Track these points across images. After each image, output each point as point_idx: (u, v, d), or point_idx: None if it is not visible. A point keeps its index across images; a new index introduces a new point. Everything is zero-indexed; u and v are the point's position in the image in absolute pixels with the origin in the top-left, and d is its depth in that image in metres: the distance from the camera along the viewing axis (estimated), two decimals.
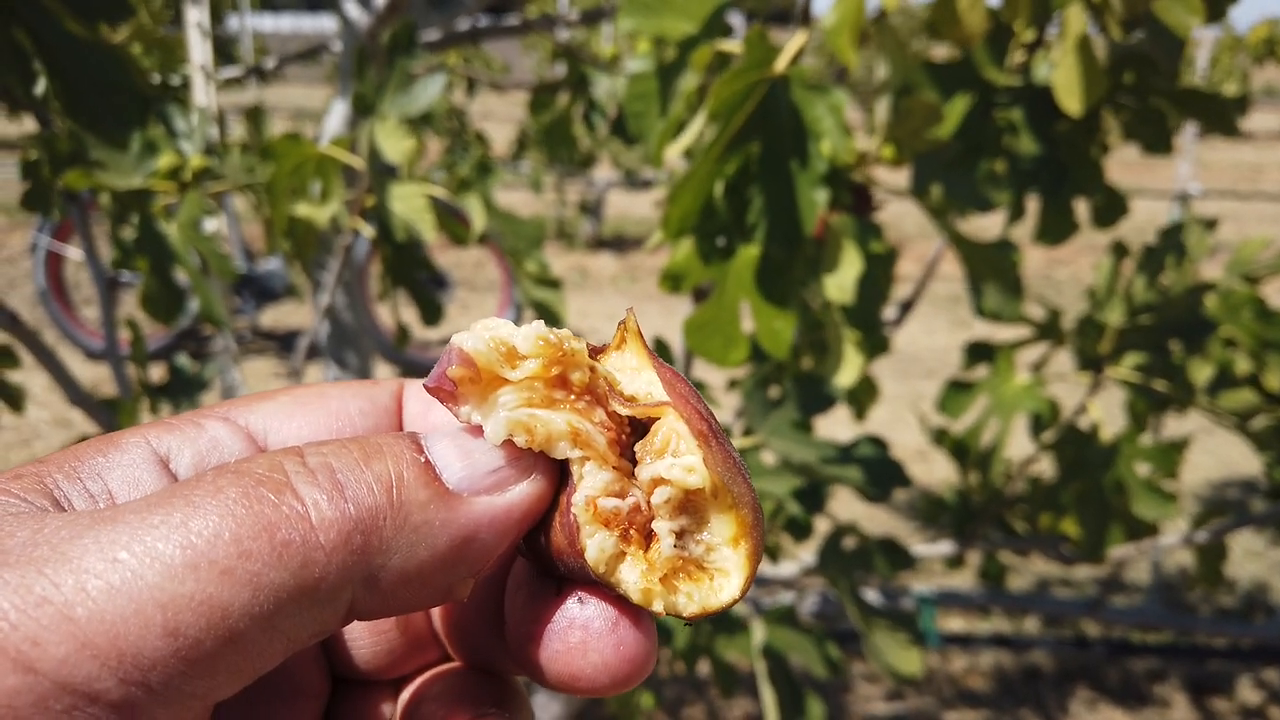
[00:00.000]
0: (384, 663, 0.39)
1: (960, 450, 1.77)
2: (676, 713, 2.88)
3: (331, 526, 0.28)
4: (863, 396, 2.06)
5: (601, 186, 8.60)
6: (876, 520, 4.02)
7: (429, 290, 1.43)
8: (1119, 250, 1.61)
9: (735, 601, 0.32)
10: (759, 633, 1.32)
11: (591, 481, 0.32)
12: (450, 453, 0.31)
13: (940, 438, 1.93)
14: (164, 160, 1.57)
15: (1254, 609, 3.46)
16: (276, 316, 6.15)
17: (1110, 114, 1.49)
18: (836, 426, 4.25)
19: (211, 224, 1.89)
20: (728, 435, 0.36)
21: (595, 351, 0.34)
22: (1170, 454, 1.51)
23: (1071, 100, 1.27)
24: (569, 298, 7.07)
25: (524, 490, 0.31)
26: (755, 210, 1.05)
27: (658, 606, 0.31)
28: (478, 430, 0.32)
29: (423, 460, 0.31)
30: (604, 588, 0.32)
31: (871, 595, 1.96)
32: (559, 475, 0.32)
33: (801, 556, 1.81)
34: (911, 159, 1.16)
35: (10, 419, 4.47)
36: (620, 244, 8.61)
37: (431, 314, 1.46)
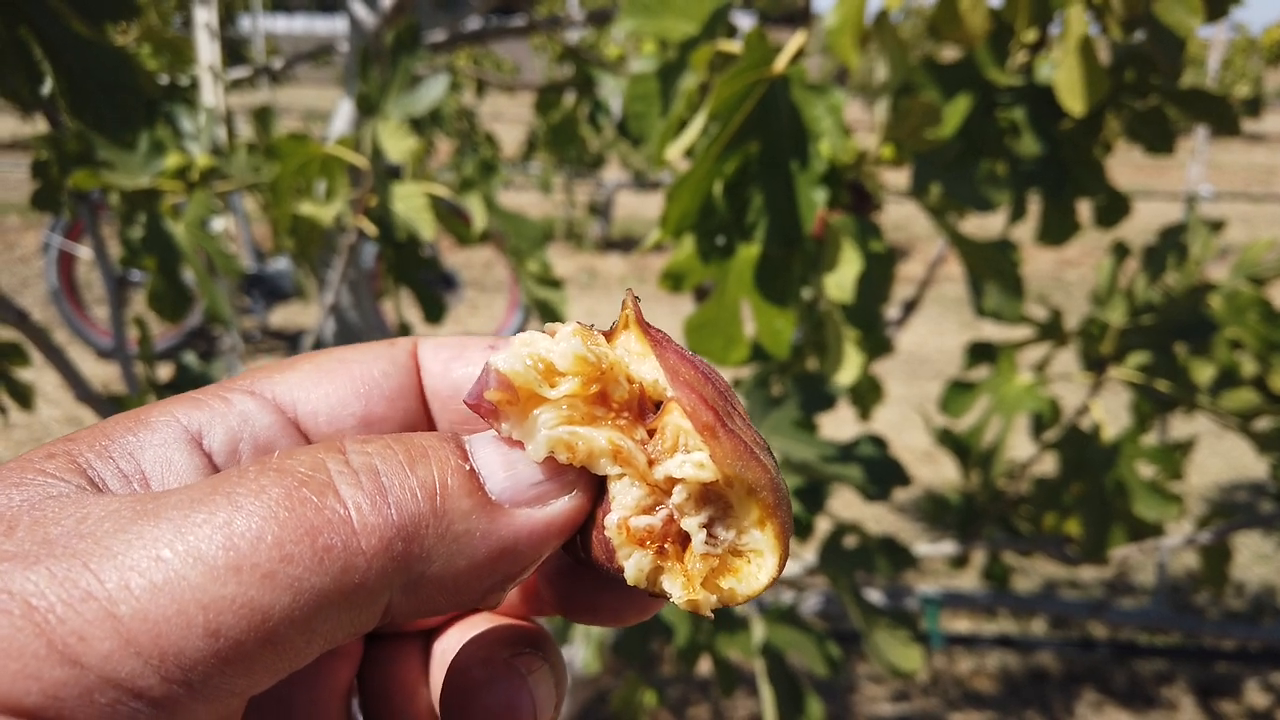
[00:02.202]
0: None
1: (962, 450, 1.77)
2: (681, 712, 2.89)
3: (374, 532, 0.27)
4: (867, 396, 2.07)
5: (610, 188, 8.61)
6: (882, 521, 4.02)
7: (432, 290, 1.43)
8: (1120, 250, 1.60)
9: (774, 580, 0.32)
10: (759, 631, 1.32)
11: (623, 501, 0.32)
12: (494, 461, 0.31)
13: (944, 438, 1.93)
14: (171, 160, 1.59)
15: (1262, 612, 3.44)
16: (286, 316, 6.18)
17: (1113, 114, 1.49)
18: (842, 427, 4.25)
19: (219, 223, 1.90)
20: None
21: (606, 335, 0.34)
22: (1172, 455, 1.51)
23: (1073, 100, 1.27)
24: (577, 298, 7.08)
25: (564, 505, 0.31)
26: (755, 209, 1.06)
27: (707, 611, 0.32)
28: (519, 444, 0.32)
29: (467, 467, 0.30)
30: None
31: (876, 596, 1.96)
32: (598, 488, 0.32)
33: (803, 556, 1.81)
34: (911, 159, 1.16)
35: (21, 416, 4.50)
36: (629, 245, 8.62)
37: (434, 312, 1.46)
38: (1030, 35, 1.49)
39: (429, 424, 0.38)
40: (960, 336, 6.15)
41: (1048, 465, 3.38)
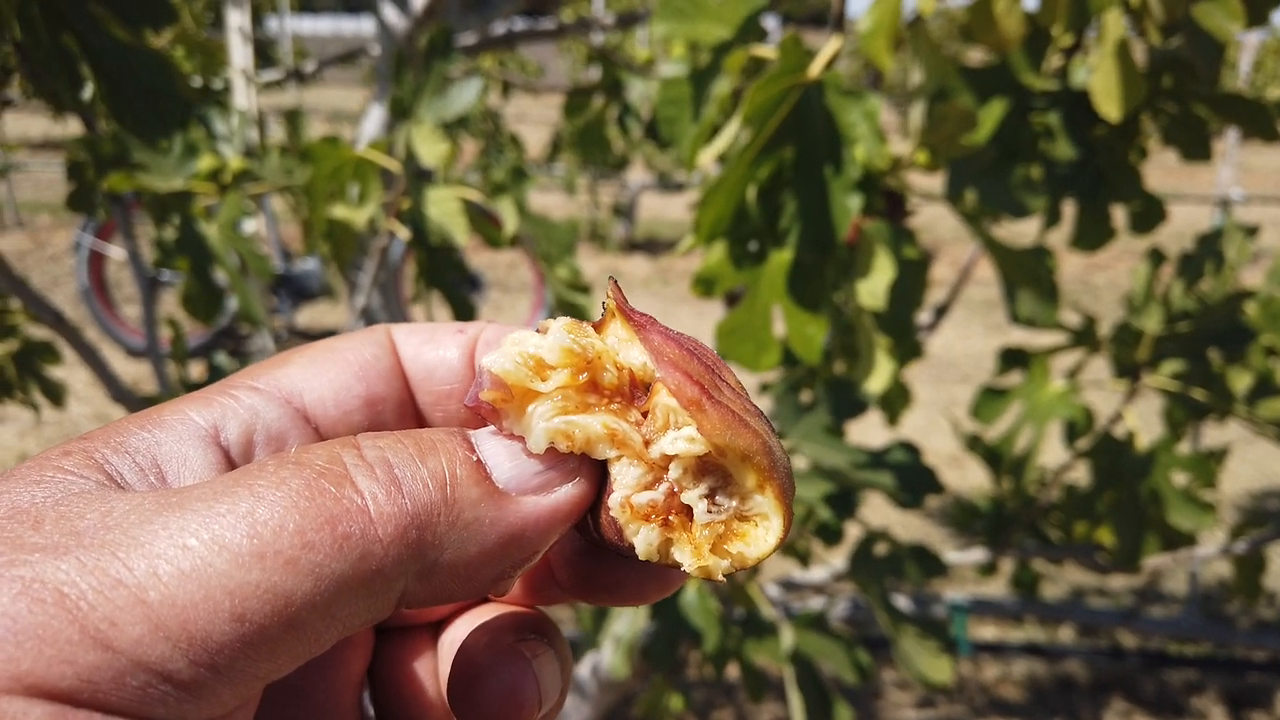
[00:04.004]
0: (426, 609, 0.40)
1: (993, 457, 1.75)
2: (706, 716, 2.88)
3: (389, 521, 0.28)
4: (896, 402, 2.05)
5: (634, 189, 8.61)
6: (910, 527, 3.99)
7: (462, 292, 1.44)
8: (1156, 257, 1.59)
9: (782, 540, 0.33)
10: (788, 637, 1.31)
11: (624, 480, 0.33)
12: (500, 452, 0.32)
13: (973, 444, 1.92)
14: (204, 162, 1.60)
15: None
16: (312, 316, 6.22)
17: (1149, 119, 1.47)
18: (870, 432, 4.23)
19: (251, 225, 1.92)
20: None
21: (595, 326, 0.35)
22: (1207, 463, 1.49)
23: (1110, 105, 1.26)
24: (602, 299, 7.09)
25: (569, 492, 0.33)
26: (788, 215, 1.05)
27: (719, 575, 0.33)
28: (520, 439, 0.33)
29: (474, 459, 0.32)
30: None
31: (903, 602, 1.94)
32: (601, 472, 0.33)
33: (832, 562, 1.80)
34: (946, 164, 1.15)
35: (52, 414, 4.55)
36: (653, 246, 8.62)
37: (465, 316, 1.47)
38: (1066, 39, 1.47)
39: (414, 403, 0.40)
40: (987, 340, 6.11)
41: (1079, 472, 3.35)
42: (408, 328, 0.40)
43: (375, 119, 1.86)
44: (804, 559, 1.50)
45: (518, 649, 0.37)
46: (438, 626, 0.42)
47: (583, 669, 1.96)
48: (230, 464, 0.34)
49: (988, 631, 3.34)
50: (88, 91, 0.88)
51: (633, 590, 0.38)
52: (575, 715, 2.00)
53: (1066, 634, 3.34)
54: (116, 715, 0.25)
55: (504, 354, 0.33)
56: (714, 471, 0.33)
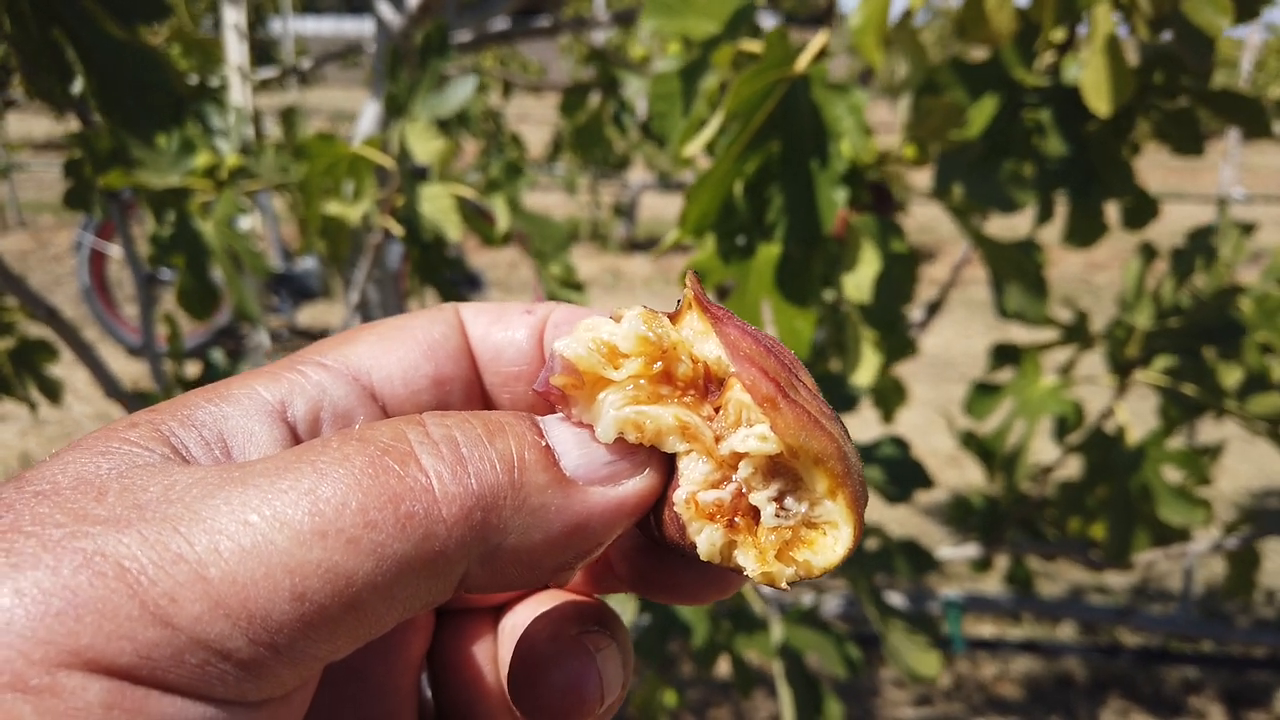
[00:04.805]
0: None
1: (986, 453, 1.76)
2: (702, 714, 2.88)
3: (454, 501, 0.28)
4: (890, 398, 2.06)
5: (635, 189, 8.62)
6: (907, 524, 4.00)
7: (456, 289, 1.44)
8: (1147, 252, 1.59)
9: (851, 551, 0.32)
10: (777, 632, 1.32)
11: (691, 476, 0.32)
12: (569, 439, 0.32)
13: (968, 440, 1.92)
14: (201, 159, 1.61)
15: None
16: (313, 315, 6.23)
17: (1142, 116, 1.47)
18: (866, 429, 4.23)
19: (247, 221, 1.92)
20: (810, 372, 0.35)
21: (671, 317, 0.34)
22: (1197, 459, 1.49)
23: (1099, 101, 1.26)
24: (602, 299, 7.09)
25: (637, 484, 0.32)
26: (775, 209, 1.06)
27: (783, 584, 0.32)
28: (589, 427, 0.32)
29: (543, 444, 0.31)
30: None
31: (898, 599, 1.95)
32: (669, 467, 0.33)
33: None
34: (932, 159, 1.16)
35: (53, 413, 4.57)
36: (653, 246, 8.62)
37: None
38: (1058, 35, 1.48)
39: (481, 384, 0.39)
40: (986, 339, 6.11)
41: (1072, 469, 3.35)
42: (475, 307, 0.40)
43: (371, 116, 1.87)
44: None
45: (581, 641, 0.36)
46: (499, 611, 0.41)
47: None
48: (296, 440, 0.34)
49: (986, 629, 3.34)
50: (78, 86, 0.89)
51: (691, 591, 0.38)
52: None
53: (1066, 632, 3.35)
54: (175, 693, 0.24)
55: (577, 339, 0.32)
56: (785, 473, 0.32)
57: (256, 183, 1.64)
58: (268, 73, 2.05)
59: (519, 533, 0.29)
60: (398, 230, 1.41)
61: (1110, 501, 1.47)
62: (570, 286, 1.42)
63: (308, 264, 5.58)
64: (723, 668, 2.89)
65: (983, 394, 1.64)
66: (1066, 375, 1.62)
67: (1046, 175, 1.41)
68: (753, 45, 1.14)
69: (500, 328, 0.39)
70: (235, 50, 1.90)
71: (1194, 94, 1.43)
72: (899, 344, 1.21)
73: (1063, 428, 1.61)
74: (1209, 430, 4.18)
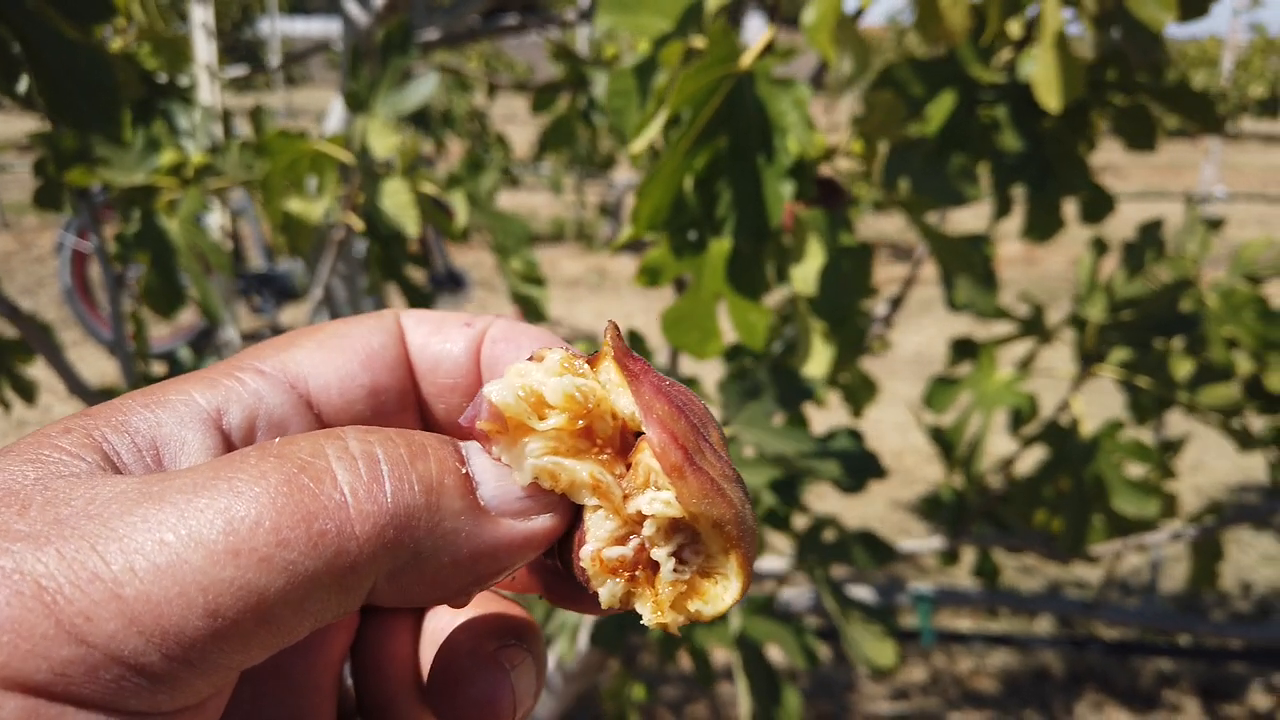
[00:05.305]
0: None
1: (948, 446, 1.77)
2: (680, 711, 2.90)
3: (368, 519, 0.29)
4: (860, 394, 2.07)
5: (621, 188, 8.63)
6: (886, 520, 4.02)
7: (418, 285, 1.45)
8: (1098, 246, 1.60)
9: (738, 600, 0.34)
10: (735, 622, 1.33)
11: (597, 533, 0.34)
12: (488, 470, 0.33)
13: (936, 435, 1.94)
14: (166, 157, 1.61)
15: (1268, 613, 3.42)
16: (295, 315, 6.22)
17: (1097, 111, 1.49)
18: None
19: (214, 219, 1.93)
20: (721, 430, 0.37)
21: (590, 361, 0.36)
22: (1152, 450, 1.51)
23: (1050, 96, 1.28)
24: (587, 299, 7.10)
25: (545, 522, 0.33)
26: (724, 204, 1.07)
27: (675, 629, 0.34)
28: (507, 467, 0.34)
29: (463, 471, 0.32)
30: None
31: (866, 593, 1.96)
32: (575, 512, 0.35)
33: (785, 550, 1.82)
34: (876, 154, 1.17)
35: (34, 414, 4.55)
36: (639, 246, 8.62)
37: (419, 306, 1.48)
38: (1015, 31, 1.49)
39: (417, 393, 0.40)
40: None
41: (1032, 461, 3.37)
42: (417, 315, 0.40)
43: (339, 113, 1.87)
44: (759, 547, 1.52)
45: (498, 659, 0.38)
46: (423, 609, 0.42)
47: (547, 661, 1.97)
48: (230, 448, 0.34)
49: (964, 624, 3.36)
50: (22, 84, 0.90)
51: (591, 606, 0.39)
52: (541, 708, 2.02)
53: (1043, 626, 3.37)
54: (90, 708, 0.25)
55: (506, 385, 0.33)
56: (684, 529, 0.34)
57: (222, 180, 1.64)
58: (236, 71, 2.06)
59: (429, 554, 0.30)
60: (358, 225, 1.42)
61: (1066, 493, 1.49)
62: (531, 281, 1.43)
63: (291, 264, 5.57)
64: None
65: (942, 387, 1.66)
66: (1024, 368, 1.64)
67: (1003, 171, 1.43)
68: (702, 42, 1.15)
69: (439, 339, 0.39)
70: (203, 49, 1.90)
71: (1147, 90, 1.45)
72: (854, 337, 1.22)
73: (1017, 420, 1.63)
74: (1183, 424, 4.22)
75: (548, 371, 0.34)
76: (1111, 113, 1.48)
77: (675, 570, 0.33)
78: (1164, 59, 1.39)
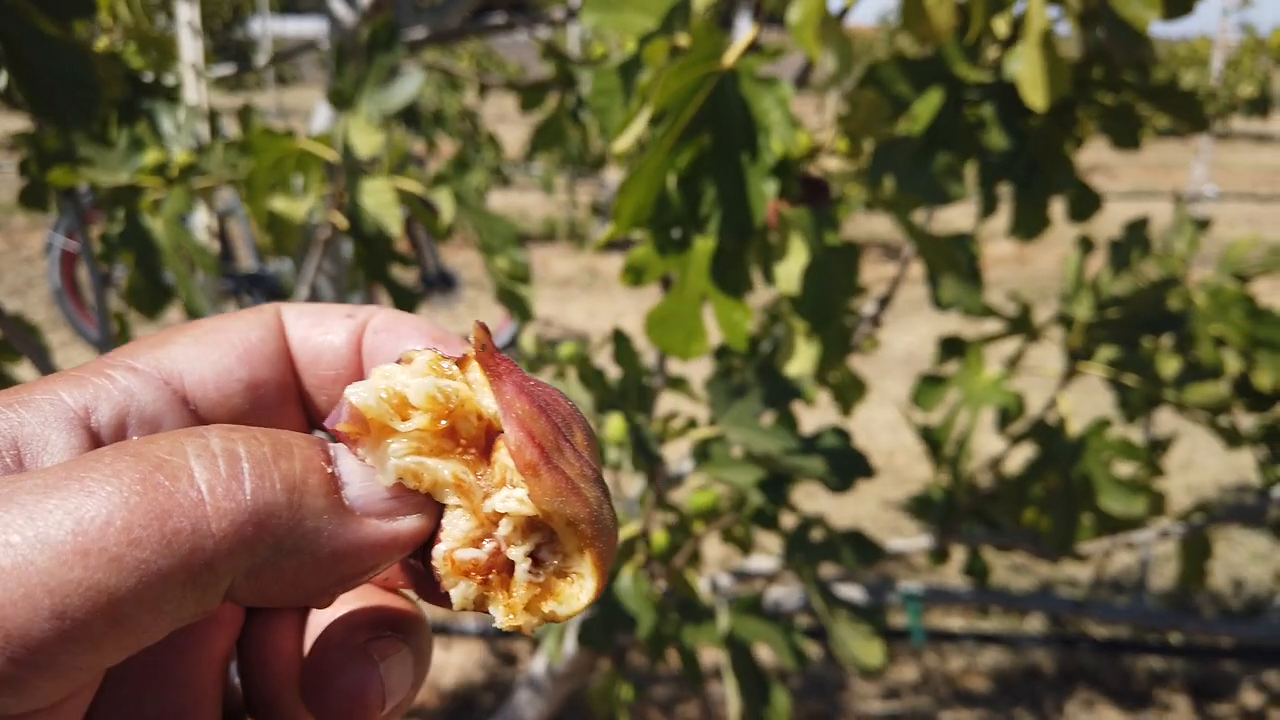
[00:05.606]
0: None
1: (936, 444, 1.77)
2: (671, 710, 2.89)
3: (225, 516, 0.28)
4: (849, 393, 2.07)
5: (612, 188, 8.62)
6: (878, 520, 4.02)
7: (403, 284, 1.45)
8: (1085, 244, 1.61)
9: (593, 600, 0.34)
10: (724, 621, 1.33)
11: (452, 532, 0.34)
12: (355, 470, 0.32)
13: (925, 433, 1.94)
14: (150, 156, 1.61)
15: (1259, 611, 3.43)
16: None
17: (1083, 109, 1.49)
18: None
19: (199, 218, 1.92)
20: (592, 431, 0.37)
21: (459, 363, 0.36)
22: (1139, 449, 1.51)
23: (1035, 95, 1.28)
24: (579, 298, 7.10)
25: (411, 523, 0.33)
26: (708, 202, 1.07)
27: (529, 631, 0.34)
28: (372, 469, 0.33)
29: (329, 470, 0.32)
30: None
31: (855, 593, 1.96)
32: (441, 511, 0.34)
33: (774, 550, 1.82)
34: (864, 152, 1.17)
35: None
36: (630, 246, 8.62)
37: (405, 306, 1.47)
38: (1001, 29, 1.49)
39: (299, 386, 0.39)
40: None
41: (1019, 458, 3.38)
42: (298, 308, 0.40)
43: (325, 112, 1.87)
44: (745, 546, 1.51)
45: (366, 651, 0.37)
46: (305, 609, 0.42)
47: (536, 663, 1.97)
48: (99, 447, 0.33)
49: (955, 622, 3.37)
50: (2, 81, 0.89)
51: (449, 604, 0.39)
52: (530, 709, 2.01)
53: (1034, 625, 3.37)
54: None
55: (369, 387, 0.33)
56: (542, 528, 0.34)
57: (207, 180, 1.63)
58: (223, 70, 2.05)
59: (289, 554, 0.30)
60: (342, 224, 1.41)
61: (1053, 491, 1.49)
62: (517, 279, 1.42)
63: (281, 264, 5.56)
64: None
65: (930, 385, 1.66)
66: (1012, 367, 1.64)
67: (989, 169, 1.43)
68: (687, 40, 1.15)
69: (320, 331, 0.39)
70: (189, 47, 1.89)
71: (1133, 88, 1.45)
72: (840, 337, 1.22)
73: (1004, 419, 1.63)
74: (1173, 423, 4.23)
75: (413, 373, 0.34)
76: (1098, 111, 1.48)
77: (530, 572, 0.33)
78: (1150, 57, 1.39)
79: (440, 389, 0.34)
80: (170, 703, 0.37)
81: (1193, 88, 1.48)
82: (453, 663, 3.13)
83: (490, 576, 0.34)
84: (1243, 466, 4.47)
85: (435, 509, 0.34)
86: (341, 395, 0.37)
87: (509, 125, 12.06)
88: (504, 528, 0.33)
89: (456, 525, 0.34)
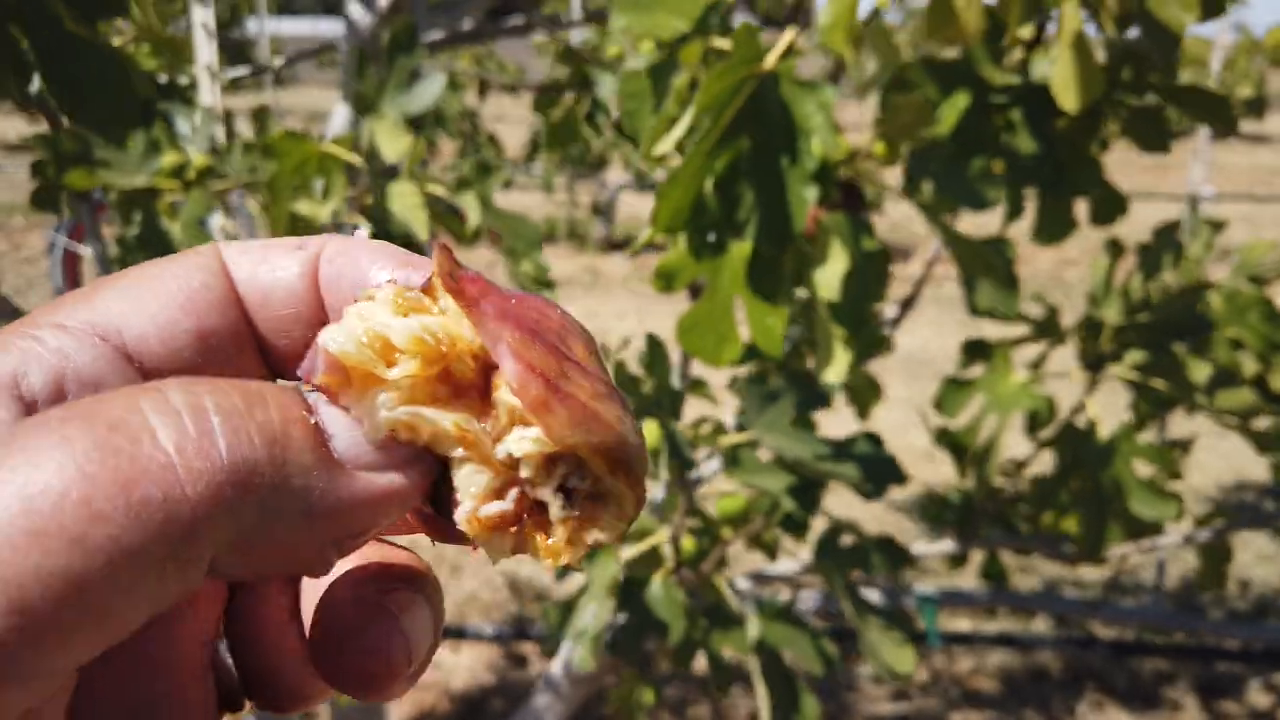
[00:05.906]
0: None
1: (958, 449, 1.77)
2: (681, 712, 2.89)
3: (200, 478, 0.24)
4: (865, 395, 2.06)
5: (613, 188, 8.62)
6: (883, 521, 4.02)
7: None
8: (1114, 248, 1.60)
9: (634, 518, 0.31)
10: (754, 628, 1.32)
11: (468, 490, 0.30)
12: (339, 420, 0.29)
13: (942, 436, 1.93)
14: (167, 159, 1.59)
15: (1266, 612, 3.43)
16: None
17: (1110, 113, 1.49)
18: (846, 426, 4.25)
19: (217, 221, 1.90)
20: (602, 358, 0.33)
21: (425, 290, 0.31)
22: (1167, 453, 1.51)
23: (1068, 98, 1.27)
24: (580, 299, 7.09)
25: (410, 475, 0.29)
26: (746, 206, 1.06)
27: (576, 563, 0.31)
28: (358, 421, 0.29)
29: (312, 420, 0.28)
30: None
31: (873, 595, 1.95)
32: (442, 462, 0.31)
33: (803, 555, 1.82)
34: (902, 156, 1.16)
35: None
36: (627, 247, 8.62)
37: None
38: (1027, 32, 1.49)
39: (254, 332, 0.35)
40: (961, 336, 6.13)
41: (1045, 463, 3.38)
42: (239, 246, 0.35)
43: (341, 116, 1.86)
44: (771, 551, 1.51)
45: (384, 604, 0.33)
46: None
47: (554, 665, 1.96)
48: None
49: (963, 624, 3.36)
50: (35, 84, 0.88)
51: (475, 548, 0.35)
52: (549, 713, 2.00)
53: (1042, 626, 3.37)
54: None
55: (346, 331, 0.29)
56: (565, 457, 0.30)
57: (225, 182, 1.62)
58: (237, 72, 2.04)
59: (274, 516, 0.26)
60: (367, 228, 1.40)
61: (1083, 496, 1.49)
62: (542, 284, 1.42)
63: None
64: (700, 663, 2.89)
65: (954, 389, 1.65)
66: (1037, 370, 1.64)
67: (1016, 172, 1.42)
68: (723, 43, 1.14)
69: (267, 268, 0.34)
70: (204, 49, 1.88)
71: (1162, 91, 1.45)
72: (870, 341, 1.21)
73: (1034, 423, 1.62)
74: (1181, 425, 4.23)
75: (390, 310, 0.30)
76: (1123, 113, 1.47)
77: (564, 507, 0.30)
78: (1178, 60, 1.39)
79: (427, 328, 0.29)
80: (151, 689, 0.33)
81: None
82: (462, 665, 3.12)
83: (524, 520, 0.30)
84: (1244, 467, 4.47)
85: (435, 455, 0.30)
86: (303, 336, 0.34)
87: (508, 126, 12.04)
88: (524, 470, 0.30)
89: (472, 480, 0.30)
